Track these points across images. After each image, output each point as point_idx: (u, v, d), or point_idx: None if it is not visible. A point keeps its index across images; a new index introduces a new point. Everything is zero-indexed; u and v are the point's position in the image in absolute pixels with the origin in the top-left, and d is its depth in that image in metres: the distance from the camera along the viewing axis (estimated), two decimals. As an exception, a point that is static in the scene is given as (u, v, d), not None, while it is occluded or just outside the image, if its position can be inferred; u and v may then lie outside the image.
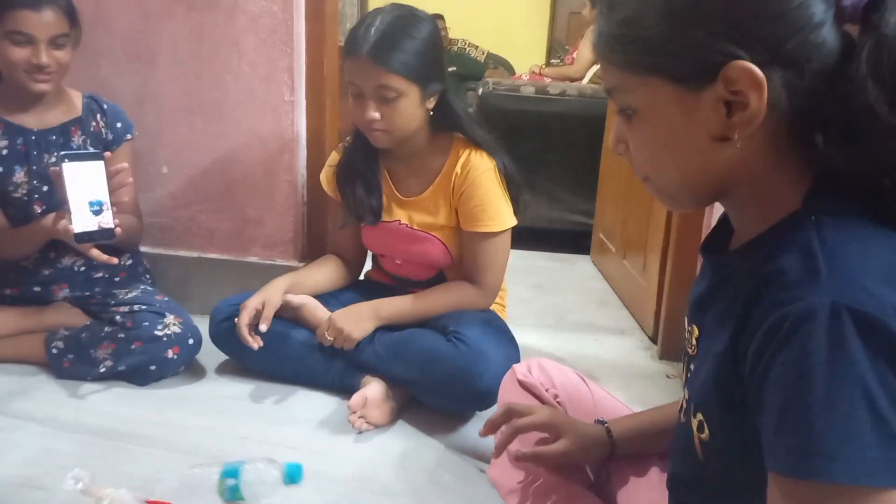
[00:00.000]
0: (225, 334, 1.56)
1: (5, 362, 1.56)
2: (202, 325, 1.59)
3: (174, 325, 1.52)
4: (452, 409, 1.41)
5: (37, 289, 1.60)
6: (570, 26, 5.48)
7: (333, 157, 1.59)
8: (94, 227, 1.34)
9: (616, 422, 0.96)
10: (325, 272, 1.61)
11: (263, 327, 1.42)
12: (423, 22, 1.37)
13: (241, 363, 1.59)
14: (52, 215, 1.40)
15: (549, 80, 3.60)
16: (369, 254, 1.69)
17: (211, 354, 1.60)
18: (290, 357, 1.49)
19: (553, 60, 4.79)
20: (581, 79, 3.60)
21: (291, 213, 1.90)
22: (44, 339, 1.54)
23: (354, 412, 1.34)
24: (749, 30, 0.53)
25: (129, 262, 1.72)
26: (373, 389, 1.37)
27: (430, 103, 1.40)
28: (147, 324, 1.51)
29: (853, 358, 0.46)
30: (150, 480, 1.08)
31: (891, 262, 0.50)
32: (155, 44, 1.83)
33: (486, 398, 1.33)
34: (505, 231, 1.45)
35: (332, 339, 1.43)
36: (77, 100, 1.62)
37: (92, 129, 1.62)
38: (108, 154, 1.40)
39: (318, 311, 1.52)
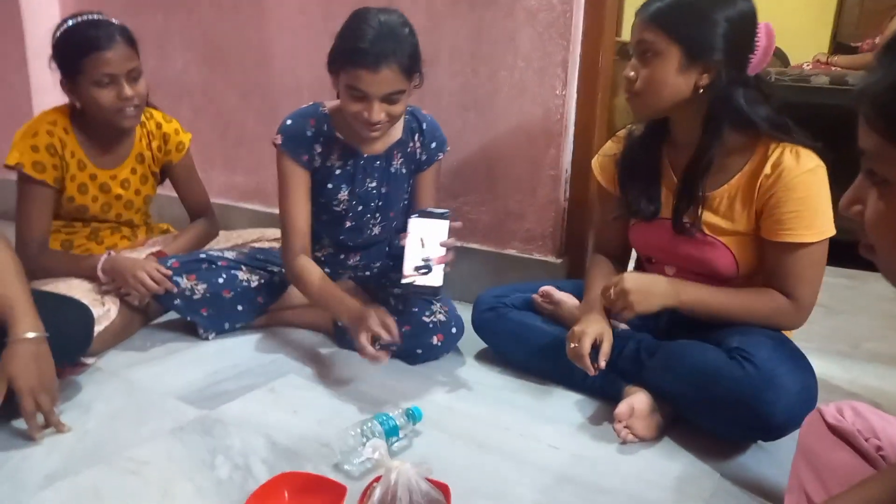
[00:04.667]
0: (486, 324, 1.60)
1: (300, 328, 1.77)
2: (462, 312, 1.64)
3: (440, 313, 1.59)
4: (730, 436, 1.26)
5: (326, 270, 1.79)
6: (863, 8, 4.74)
7: (609, 147, 1.52)
8: (415, 281, 1.37)
9: None
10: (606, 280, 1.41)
11: (603, 364, 1.30)
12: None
13: (501, 354, 1.61)
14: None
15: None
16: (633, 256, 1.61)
17: (470, 341, 1.65)
18: (553, 356, 1.46)
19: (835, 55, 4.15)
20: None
21: (552, 208, 1.88)
22: (332, 311, 1.71)
23: (620, 421, 1.27)
24: None
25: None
26: (639, 400, 1.29)
27: (702, 80, 1.24)
28: (416, 310, 1.59)
29: None
30: (427, 458, 1.13)
31: None
32: (438, 41, 1.92)
33: (776, 430, 1.18)
34: (822, 241, 1.25)
35: (613, 297, 1.31)
36: (401, 120, 1.59)
37: (409, 150, 1.63)
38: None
39: (576, 311, 1.48)
